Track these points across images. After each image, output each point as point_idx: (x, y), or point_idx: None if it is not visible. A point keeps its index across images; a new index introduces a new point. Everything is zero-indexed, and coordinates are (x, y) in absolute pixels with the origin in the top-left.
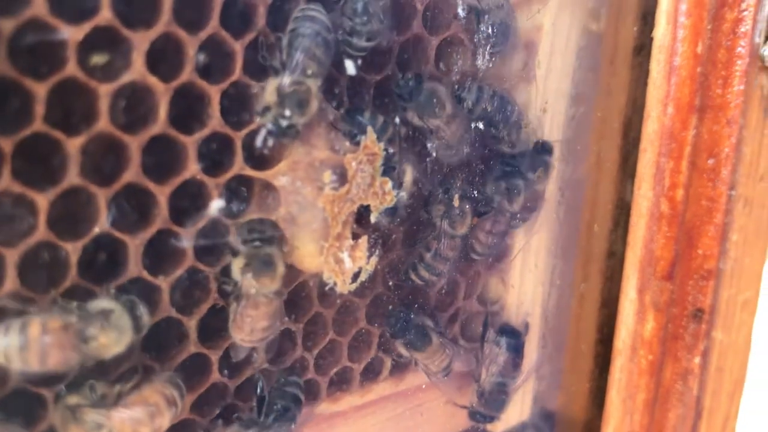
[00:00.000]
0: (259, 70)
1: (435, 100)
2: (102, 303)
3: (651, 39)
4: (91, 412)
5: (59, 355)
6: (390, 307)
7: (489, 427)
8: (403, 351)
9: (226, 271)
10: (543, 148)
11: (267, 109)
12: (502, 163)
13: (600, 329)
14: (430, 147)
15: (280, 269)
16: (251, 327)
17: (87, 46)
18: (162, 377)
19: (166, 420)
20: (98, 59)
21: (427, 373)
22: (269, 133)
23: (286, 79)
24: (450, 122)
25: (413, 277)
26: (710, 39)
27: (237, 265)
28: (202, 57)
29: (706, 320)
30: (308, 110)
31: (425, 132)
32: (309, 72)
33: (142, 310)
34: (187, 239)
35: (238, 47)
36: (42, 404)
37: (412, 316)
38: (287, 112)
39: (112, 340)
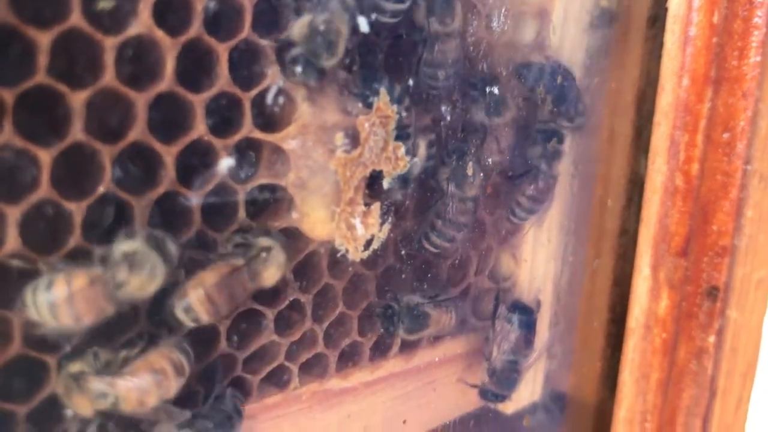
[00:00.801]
0: (269, 26)
1: (450, 6)
2: (124, 245)
3: (665, 10)
4: (95, 380)
5: (93, 310)
6: (373, 306)
7: (500, 406)
8: (410, 337)
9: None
10: (553, 133)
11: (291, 44)
12: (539, 130)
13: (612, 308)
14: (444, 110)
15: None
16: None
17: None
18: (169, 341)
19: (173, 386)
20: (105, 4)
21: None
22: (294, 67)
23: (317, 16)
24: (447, 40)
25: (426, 245)
26: (726, 9)
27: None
28: (210, 10)
29: (721, 298)
30: (335, 53)
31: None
32: (338, 11)
33: (168, 242)
34: (195, 199)
35: (248, 2)
36: (44, 370)
37: (395, 306)
38: (318, 50)
39: (145, 279)
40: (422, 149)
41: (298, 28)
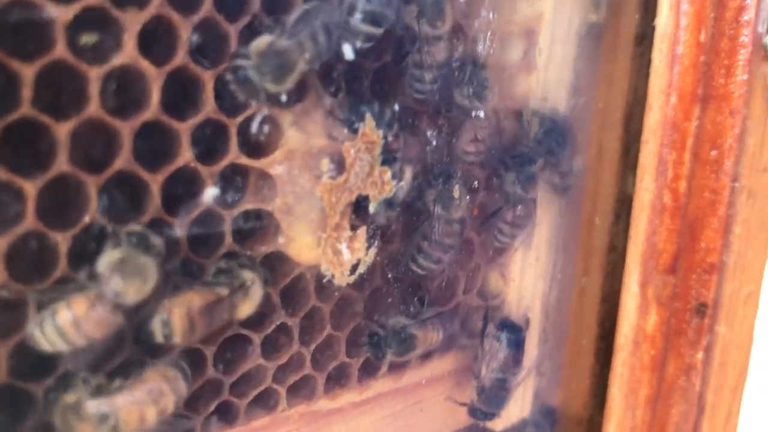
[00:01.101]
0: None
1: (440, 9)
2: (110, 256)
3: (653, 27)
4: (93, 403)
5: (102, 326)
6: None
7: (489, 424)
8: (401, 359)
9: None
10: (525, 160)
11: (244, 56)
12: (509, 157)
13: (601, 324)
14: (429, 135)
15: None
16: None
17: (77, 26)
18: (164, 360)
19: (170, 402)
20: (88, 39)
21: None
22: (234, 81)
23: (282, 40)
24: (436, 42)
25: (413, 267)
26: (713, 27)
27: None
28: (195, 40)
29: (710, 315)
30: (283, 81)
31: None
32: (305, 47)
33: (153, 239)
34: (180, 229)
35: (233, 30)
36: (30, 401)
37: (381, 332)
38: (264, 69)
39: (140, 283)
40: (408, 174)
41: (256, 44)
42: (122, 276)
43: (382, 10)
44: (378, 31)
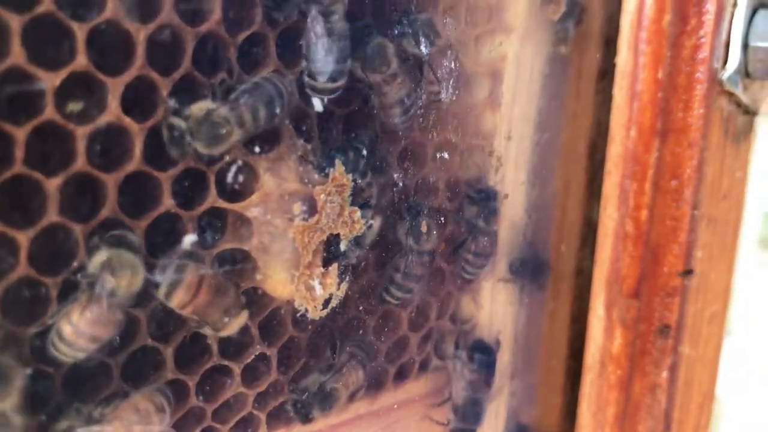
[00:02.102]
0: None
1: (382, 55)
2: (97, 259)
3: (614, 64)
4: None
5: (104, 326)
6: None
7: None
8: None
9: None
10: (488, 195)
11: (187, 117)
12: (473, 191)
13: (571, 345)
14: (396, 177)
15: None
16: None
17: (64, 92)
18: (149, 387)
19: (156, 426)
20: (74, 107)
21: None
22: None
23: (222, 109)
24: (391, 80)
25: (387, 298)
26: (670, 65)
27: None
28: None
29: (673, 336)
30: (214, 148)
31: (366, 88)
32: (243, 120)
33: (130, 236)
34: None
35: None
36: None
37: (305, 394)
38: (198, 135)
39: (130, 276)
40: (377, 222)
41: (197, 107)
42: (112, 271)
43: (335, 68)
44: (335, 85)
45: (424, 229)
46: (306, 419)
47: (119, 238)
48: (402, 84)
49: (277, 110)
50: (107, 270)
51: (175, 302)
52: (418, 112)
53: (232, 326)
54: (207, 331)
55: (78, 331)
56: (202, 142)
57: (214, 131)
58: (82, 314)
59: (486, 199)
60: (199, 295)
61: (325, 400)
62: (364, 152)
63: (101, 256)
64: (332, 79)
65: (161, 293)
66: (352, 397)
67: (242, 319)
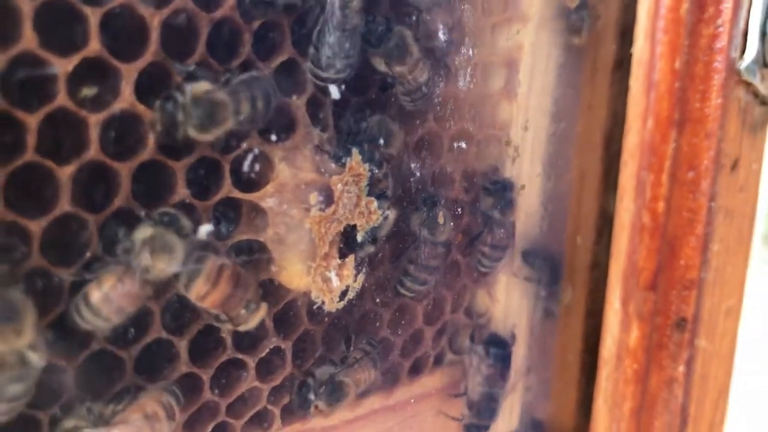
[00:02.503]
0: None
1: (403, 46)
2: (141, 233)
3: (630, 55)
4: None
5: (131, 300)
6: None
7: None
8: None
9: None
10: (504, 186)
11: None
12: (489, 182)
13: (586, 339)
14: (413, 167)
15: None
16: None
17: (77, 78)
18: (158, 386)
19: (165, 428)
20: (88, 92)
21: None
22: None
23: (220, 92)
24: (414, 68)
25: (402, 290)
26: (687, 54)
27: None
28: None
29: (690, 329)
30: (206, 131)
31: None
32: (241, 107)
33: (183, 221)
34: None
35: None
36: (37, 428)
37: (311, 382)
38: (193, 113)
39: (166, 260)
40: (393, 214)
41: (195, 88)
42: (151, 251)
43: (343, 63)
44: (339, 77)
45: (441, 220)
46: (305, 403)
47: (171, 218)
48: (424, 67)
49: (272, 105)
50: (147, 248)
51: (194, 294)
52: (436, 100)
53: (252, 320)
54: (226, 325)
55: (107, 298)
56: (195, 122)
57: (211, 111)
58: (114, 284)
59: (502, 190)
60: (219, 286)
61: (333, 392)
62: (381, 141)
63: (145, 231)
64: (338, 71)
65: (180, 284)
66: (362, 395)
67: (262, 312)
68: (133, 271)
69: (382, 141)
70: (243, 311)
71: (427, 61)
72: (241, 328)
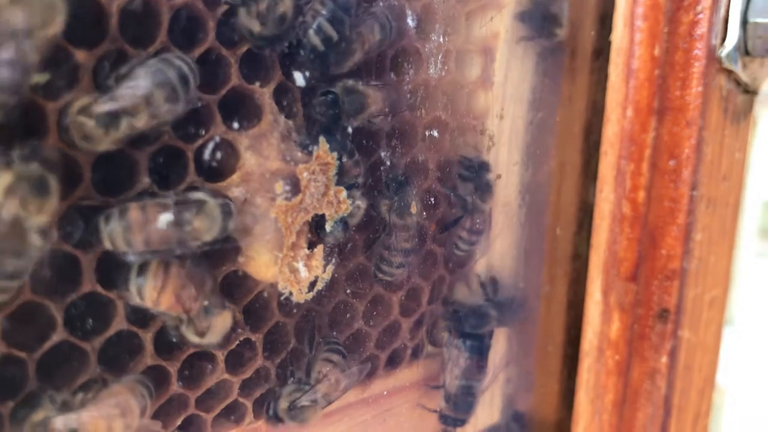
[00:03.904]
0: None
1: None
2: (199, 195)
3: (609, 43)
4: (60, 420)
5: (160, 235)
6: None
7: (459, 430)
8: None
9: None
10: (479, 167)
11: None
12: (463, 167)
13: (567, 331)
14: (383, 156)
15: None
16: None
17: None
18: (129, 378)
19: (135, 418)
20: (40, 78)
21: None
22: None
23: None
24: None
25: (380, 275)
26: (667, 42)
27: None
28: None
29: (672, 320)
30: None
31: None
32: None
33: (233, 211)
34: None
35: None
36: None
37: (275, 404)
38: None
39: (205, 227)
40: (363, 205)
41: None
42: (197, 212)
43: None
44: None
45: (409, 201)
46: (276, 422)
47: (226, 205)
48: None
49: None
50: (196, 207)
51: (149, 298)
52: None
53: (216, 326)
54: (190, 336)
55: (143, 222)
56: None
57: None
58: (153, 213)
59: (478, 172)
60: (168, 284)
61: (297, 415)
62: (350, 130)
63: (204, 196)
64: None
65: (133, 294)
66: (390, 368)
67: (226, 318)
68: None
69: (350, 129)
70: (203, 313)
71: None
72: (206, 340)
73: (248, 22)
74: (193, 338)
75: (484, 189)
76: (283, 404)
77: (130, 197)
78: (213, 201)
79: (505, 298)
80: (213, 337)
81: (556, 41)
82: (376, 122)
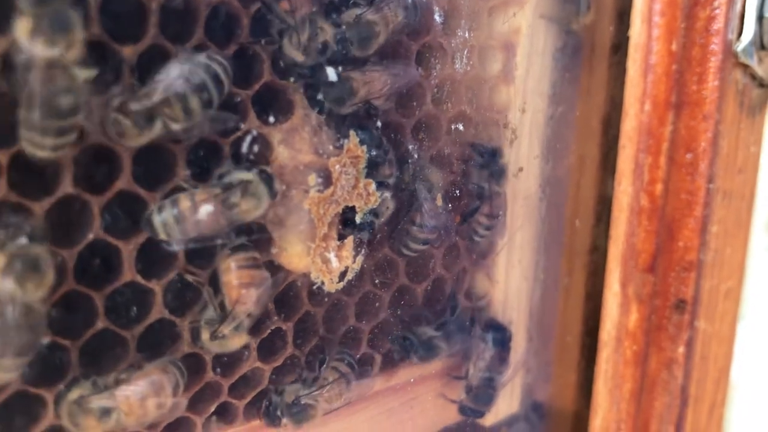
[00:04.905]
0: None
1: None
2: (241, 174)
3: (627, 38)
4: (95, 398)
5: (211, 220)
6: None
7: (479, 419)
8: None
9: None
10: (492, 153)
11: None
12: (477, 154)
13: (586, 322)
14: (411, 149)
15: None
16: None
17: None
18: (163, 359)
19: (169, 398)
20: (88, 74)
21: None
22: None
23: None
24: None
25: (405, 251)
26: (684, 37)
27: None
28: None
29: (689, 311)
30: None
31: None
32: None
33: (275, 182)
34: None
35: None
36: (42, 404)
37: (278, 400)
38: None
39: (252, 205)
40: (392, 204)
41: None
42: (243, 193)
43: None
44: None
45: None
46: (273, 423)
47: (269, 177)
48: None
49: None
50: (241, 188)
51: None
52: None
53: (229, 342)
54: (204, 333)
55: (194, 210)
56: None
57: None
58: (204, 198)
59: (491, 158)
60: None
61: (298, 413)
62: (379, 124)
63: (246, 175)
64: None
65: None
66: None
67: (241, 341)
68: (223, 199)
69: (379, 123)
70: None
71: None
72: (212, 346)
73: (291, 52)
74: (205, 336)
75: (499, 174)
76: (289, 398)
77: (176, 188)
78: (255, 177)
79: (458, 322)
80: (219, 348)
81: (574, 29)
82: (378, 104)
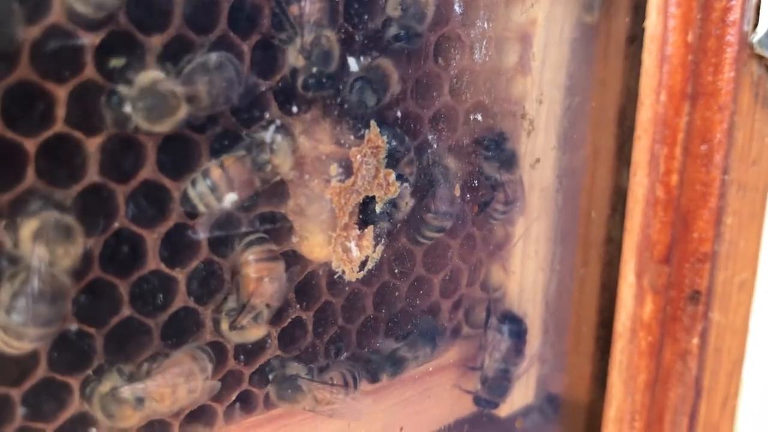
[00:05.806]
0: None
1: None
2: (267, 135)
3: (643, 29)
4: (128, 389)
5: (244, 180)
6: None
7: (494, 410)
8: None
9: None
10: (497, 141)
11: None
12: (483, 147)
13: (601, 313)
14: (431, 139)
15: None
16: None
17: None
18: (191, 346)
19: (199, 384)
20: (116, 62)
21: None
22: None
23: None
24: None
25: (420, 240)
26: (700, 28)
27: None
28: None
29: (704, 302)
30: (158, 123)
31: None
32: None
33: (296, 133)
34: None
35: (246, 48)
36: (69, 392)
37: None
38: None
39: (282, 159)
40: (410, 201)
41: (142, 76)
42: (272, 150)
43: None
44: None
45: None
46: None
47: (287, 129)
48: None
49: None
50: (269, 148)
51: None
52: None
53: (248, 333)
54: (223, 323)
55: (224, 173)
56: (143, 114)
57: (158, 102)
58: (233, 161)
59: (498, 146)
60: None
61: (284, 389)
62: (399, 114)
63: (273, 136)
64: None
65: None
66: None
67: (260, 332)
68: (252, 158)
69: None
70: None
71: None
72: (231, 336)
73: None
74: (223, 326)
75: (509, 161)
76: (288, 372)
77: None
78: (278, 135)
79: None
80: (238, 338)
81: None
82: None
